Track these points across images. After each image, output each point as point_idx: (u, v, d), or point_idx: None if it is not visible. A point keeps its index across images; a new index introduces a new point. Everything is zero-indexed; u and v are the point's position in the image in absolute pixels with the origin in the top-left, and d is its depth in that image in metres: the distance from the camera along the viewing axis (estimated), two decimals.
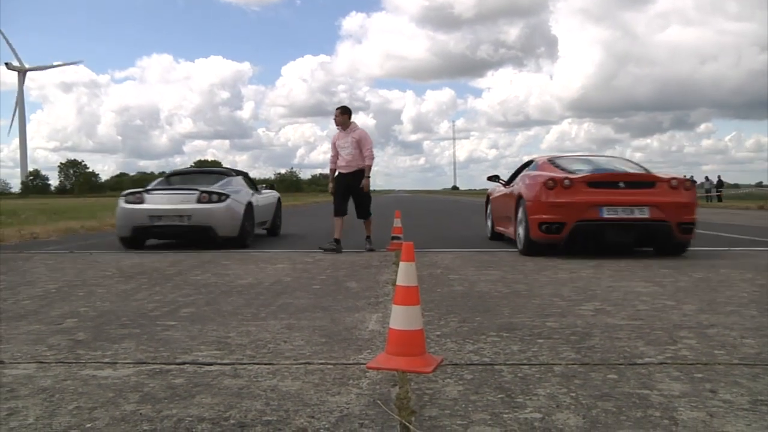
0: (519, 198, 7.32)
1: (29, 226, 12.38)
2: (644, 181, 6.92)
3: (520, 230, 7.23)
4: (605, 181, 6.83)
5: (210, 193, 8.32)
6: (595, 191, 6.69)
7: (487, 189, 10.27)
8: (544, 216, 6.74)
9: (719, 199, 33.88)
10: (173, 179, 9.62)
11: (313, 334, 3.30)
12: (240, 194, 8.80)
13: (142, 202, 8.37)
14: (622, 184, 6.77)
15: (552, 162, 7.73)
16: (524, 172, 7.90)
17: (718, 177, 36.04)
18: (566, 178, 6.78)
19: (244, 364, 2.74)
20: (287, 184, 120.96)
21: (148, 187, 8.79)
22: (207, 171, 10.32)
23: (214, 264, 6.60)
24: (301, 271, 5.96)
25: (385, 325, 3.23)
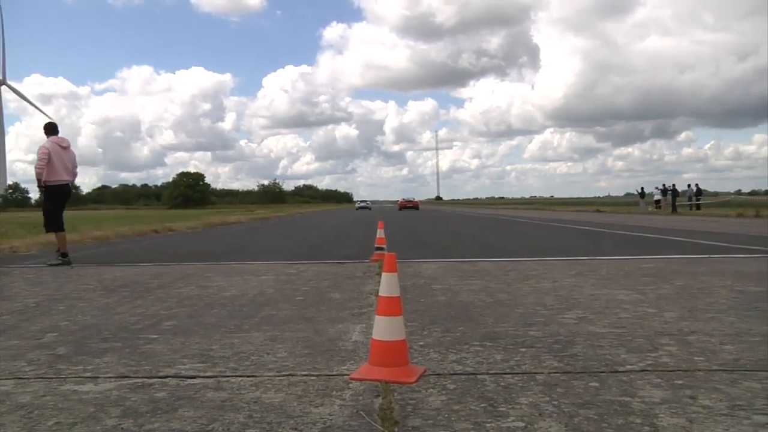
0: None
1: (8, 240, 12.20)
2: None
3: None
4: None
5: None
6: None
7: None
8: None
9: (698, 207, 34.35)
10: None
11: (297, 345, 3.29)
12: None
13: None
14: None
15: None
16: None
17: (696, 185, 36.50)
18: None
19: (227, 376, 2.73)
20: (271, 195, 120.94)
21: None
22: None
23: (197, 276, 6.56)
24: (285, 282, 5.95)
25: (369, 336, 3.23)
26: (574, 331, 3.53)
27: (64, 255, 8.08)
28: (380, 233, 8.44)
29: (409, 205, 52.02)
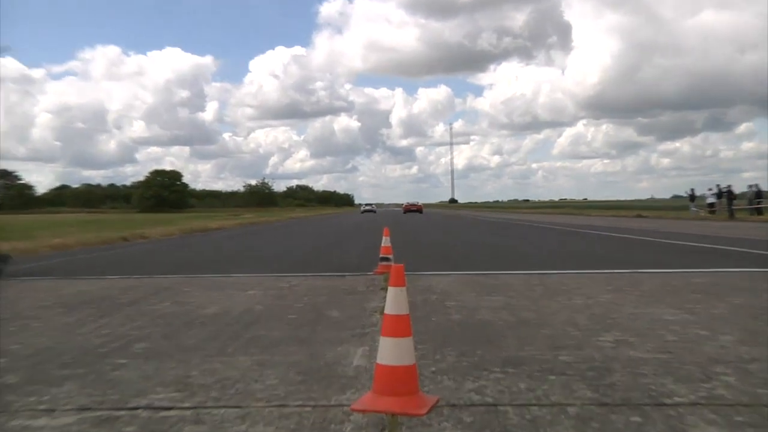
0: None
1: None
2: None
3: None
4: None
5: None
6: None
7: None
8: None
9: (759, 212, 34.19)
10: None
11: (289, 371, 3.30)
12: None
13: None
14: None
15: None
16: None
17: (757, 186, 36.25)
18: None
19: (208, 407, 2.73)
20: (259, 197, 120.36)
21: None
22: None
23: (173, 291, 6.58)
24: (275, 297, 5.97)
25: (372, 360, 3.24)
26: (612, 356, 3.52)
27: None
28: (386, 241, 8.47)
29: (413, 209, 64.90)
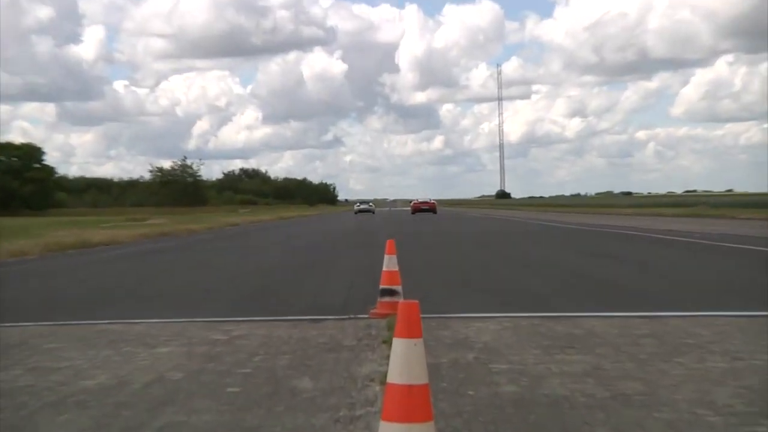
0: None
1: None
2: None
3: None
4: None
5: None
6: None
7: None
8: None
9: None
10: None
11: None
12: None
13: None
14: None
15: None
16: None
17: None
18: None
19: None
20: (177, 190, 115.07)
21: None
22: None
23: (30, 348, 6.55)
24: (206, 358, 5.97)
25: None
26: None
27: None
28: (389, 262, 8.43)
29: (424, 207, 70.02)
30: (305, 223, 53.61)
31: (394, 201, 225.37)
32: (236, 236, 32.47)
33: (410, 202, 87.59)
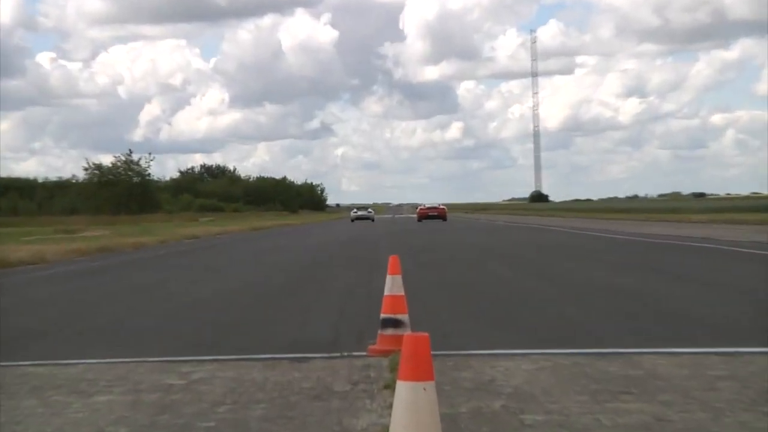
0: None
1: None
2: None
3: None
4: None
5: None
6: None
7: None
8: None
9: None
10: None
11: None
12: None
13: None
14: None
15: None
16: None
17: None
18: None
19: None
20: (121, 192, 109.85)
21: None
22: None
23: None
24: (157, 408, 5.87)
25: None
26: None
27: None
28: (392, 285, 7.92)
29: (431, 214, 69.83)
30: (286, 233, 53.39)
31: (399, 206, 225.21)
32: (197, 252, 32.02)
33: (418, 207, 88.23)
